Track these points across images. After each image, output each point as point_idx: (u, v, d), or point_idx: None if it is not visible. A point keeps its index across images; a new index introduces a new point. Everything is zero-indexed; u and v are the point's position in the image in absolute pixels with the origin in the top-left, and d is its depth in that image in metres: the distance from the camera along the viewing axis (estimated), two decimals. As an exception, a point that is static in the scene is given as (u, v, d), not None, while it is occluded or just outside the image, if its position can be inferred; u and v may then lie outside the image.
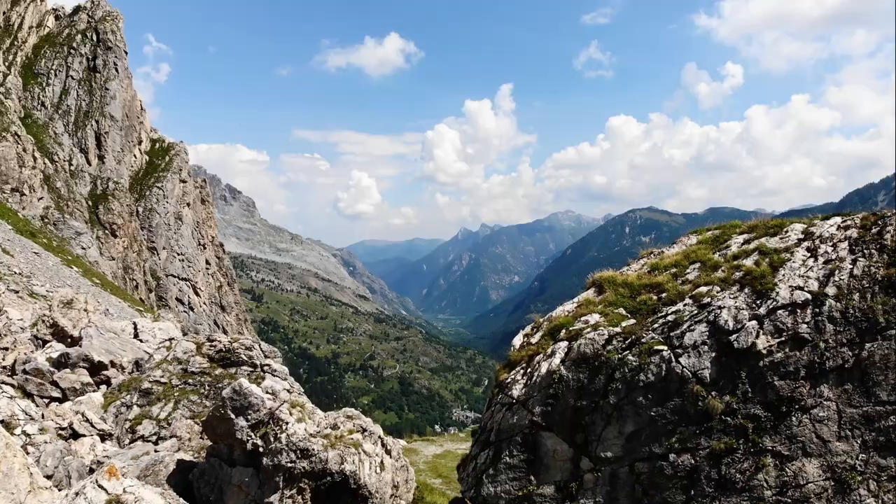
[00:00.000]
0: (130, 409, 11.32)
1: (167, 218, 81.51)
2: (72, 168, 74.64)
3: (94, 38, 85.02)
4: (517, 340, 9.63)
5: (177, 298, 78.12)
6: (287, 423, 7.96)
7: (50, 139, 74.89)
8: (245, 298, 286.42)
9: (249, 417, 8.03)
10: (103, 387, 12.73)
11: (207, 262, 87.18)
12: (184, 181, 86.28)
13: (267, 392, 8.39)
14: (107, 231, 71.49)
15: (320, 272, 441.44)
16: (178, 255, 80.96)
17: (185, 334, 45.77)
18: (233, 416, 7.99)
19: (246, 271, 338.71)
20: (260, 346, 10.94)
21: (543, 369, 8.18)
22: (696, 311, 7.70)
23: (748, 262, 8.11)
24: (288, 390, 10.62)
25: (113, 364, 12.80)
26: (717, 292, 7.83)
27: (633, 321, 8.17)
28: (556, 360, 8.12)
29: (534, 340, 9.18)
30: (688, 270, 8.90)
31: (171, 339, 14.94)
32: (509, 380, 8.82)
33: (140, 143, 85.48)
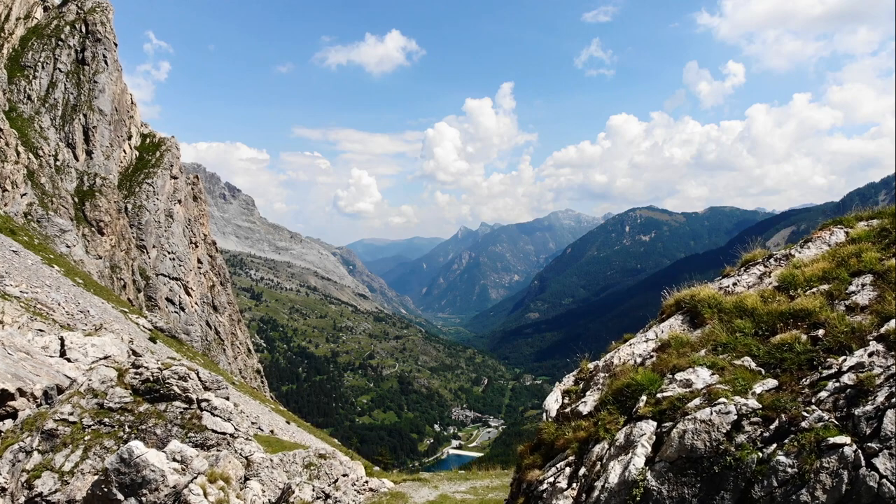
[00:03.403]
0: (29, 457, 8.66)
1: (157, 215, 78.87)
2: (57, 163, 71.99)
3: (83, 29, 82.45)
4: (553, 402, 6.03)
5: (167, 298, 75.49)
6: (198, 511, 5.37)
7: (35, 133, 72.27)
8: (244, 297, 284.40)
9: (144, 499, 5.41)
10: (9, 422, 10.08)
11: (199, 261, 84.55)
12: (175, 177, 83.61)
13: (173, 459, 5.81)
14: (93, 229, 68.83)
15: (320, 271, 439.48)
16: (169, 253, 78.32)
17: (162, 333, 42.07)
18: (120, 496, 5.40)
19: (245, 270, 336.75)
20: (198, 374, 8.38)
21: (614, 476, 4.76)
22: (894, 368, 4.42)
23: (969, 276, 4.88)
24: (231, 435, 7.98)
25: (22, 393, 10.14)
26: None
27: (772, 383, 4.69)
28: (638, 460, 4.67)
29: (585, 409, 5.55)
30: (852, 287, 5.45)
31: (106, 358, 12.25)
32: (546, 486, 5.28)
33: (130, 137, 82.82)
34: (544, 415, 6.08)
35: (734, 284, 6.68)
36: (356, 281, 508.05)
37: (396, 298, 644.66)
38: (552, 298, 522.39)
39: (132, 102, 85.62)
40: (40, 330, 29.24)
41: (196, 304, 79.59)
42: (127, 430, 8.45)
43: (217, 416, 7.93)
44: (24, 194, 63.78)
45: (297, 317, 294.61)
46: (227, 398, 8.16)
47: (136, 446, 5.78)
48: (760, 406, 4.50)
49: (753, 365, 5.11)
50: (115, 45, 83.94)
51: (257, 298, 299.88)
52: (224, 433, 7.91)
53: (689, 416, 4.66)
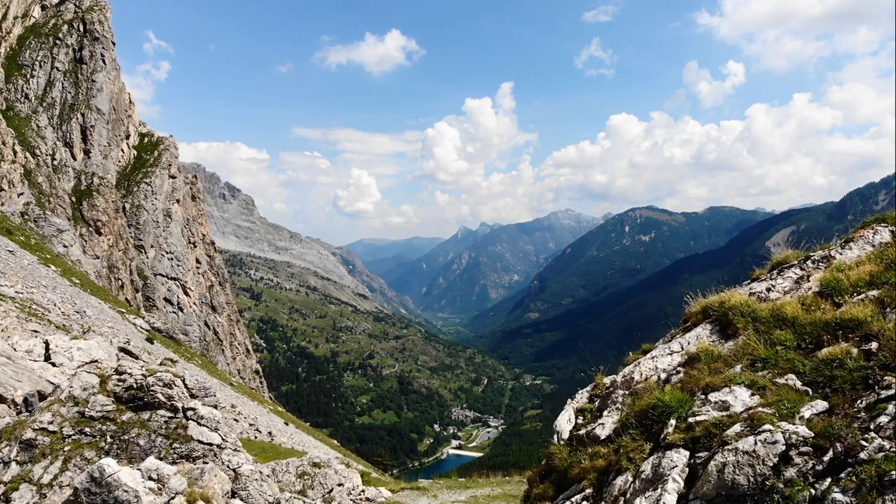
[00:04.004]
0: (7, 468, 8.22)
1: (155, 215, 78.43)
2: (55, 162, 71.55)
3: (81, 28, 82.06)
4: (565, 423, 5.23)
5: (165, 298, 75.06)
6: (175, 537, 4.95)
7: (32, 132, 71.84)
8: (244, 297, 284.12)
9: (116, 523, 5.02)
10: (-12, 430, 9.63)
11: (198, 261, 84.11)
12: (173, 177, 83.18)
13: (149, 478, 5.39)
14: (91, 228, 68.40)
15: (319, 271, 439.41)
16: (167, 253, 77.90)
17: (160, 334, 41.75)
18: (91, 520, 5.02)
19: (245, 270, 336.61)
20: (184, 381, 7.95)
21: (641, 516, 4.15)
22: (963, 388, 3.92)
23: None
24: (218, 446, 7.56)
25: (2, 399, 9.71)
26: None
27: (822, 405, 4.08)
28: (669, 497, 4.07)
29: (603, 432, 4.90)
30: None
31: (93, 363, 11.82)
32: (558, 523, 4.62)
33: (128, 137, 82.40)
34: (555, 436, 5.31)
35: (768, 290, 5.94)
36: (356, 281, 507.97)
37: (396, 298, 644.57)
38: (552, 298, 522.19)
39: (130, 101, 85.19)
40: (35, 331, 28.78)
41: (194, 304, 79.18)
42: (109, 440, 8.01)
43: (203, 425, 7.50)
44: (21, 194, 63.37)
45: (296, 317, 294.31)
46: (216, 406, 7.75)
47: (108, 464, 5.35)
48: (812, 434, 3.83)
49: (799, 384, 4.42)
50: (113, 43, 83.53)
51: (257, 298, 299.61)
52: (211, 444, 7.48)
53: (728, 447, 3.98)
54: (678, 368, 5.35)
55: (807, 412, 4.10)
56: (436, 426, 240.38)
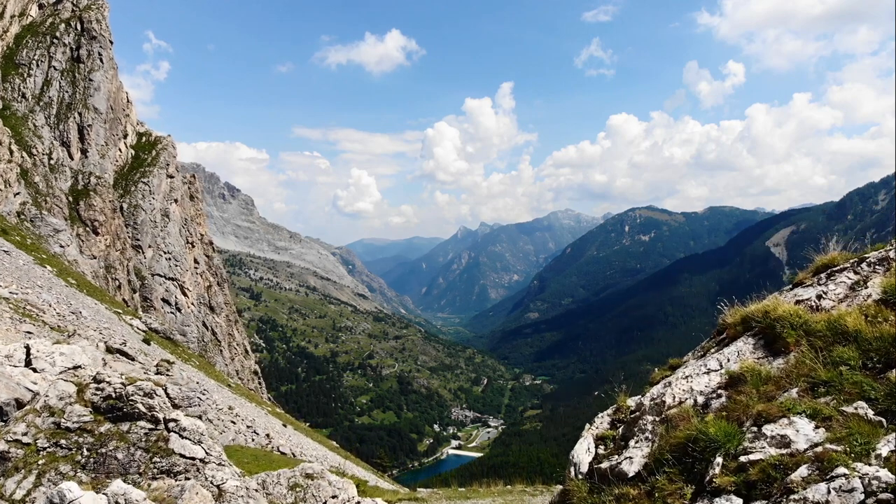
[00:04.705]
0: (-21, 483, 7.73)
1: (153, 215, 77.93)
2: (52, 162, 71.05)
3: (79, 27, 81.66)
4: (584, 453, 4.40)
5: (163, 299, 74.55)
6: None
7: (29, 132, 71.35)
8: (243, 297, 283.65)
9: (79, 554, 4.57)
10: (-37, 440, 9.12)
11: (196, 261, 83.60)
12: (171, 176, 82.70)
13: (115, 502, 4.93)
14: (88, 228, 67.90)
15: (319, 271, 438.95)
16: (165, 253, 77.39)
17: (157, 335, 40.99)
18: (50, 550, 4.55)
19: (244, 270, 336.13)
20: (166, 390, 7.48)
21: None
22: None
23: None
24: (201, 460, 7.08)
25: (-22, 408, 9.21)
26: None
27: None
28: None
29: (631, 468, 4.15)
30: None
31: (76, 368, 11.29)
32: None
33: (125, 136, 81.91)
34: (572, 469, 4.49)
35: (818, 297, 5.14)
36: (356, 281, 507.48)
37: (396, 298, 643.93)
38: (552, 298, 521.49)
39: (128, 101, 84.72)
40: (28, 332, 28.28)
41: (192, 304, 78.68)
42: (85, 453, 7.53)
43: (186, 438, 7.03)
44: (18, 193, 62.90)
45: (296, 317, 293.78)
46: (200, 417, 7.28)
47: (69, 489, 4.89)
48: (894, 478, 3.12)
49: (870, 413, 3.68)
50: (111, 42, 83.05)
51: (256, 298, 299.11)
52: (193, 458, 7.00)
53: (795, 496, 3.25)
54: (719, 391, 4.61)
55: (883, 449, 3.38)
56: (435, 426, 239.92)
